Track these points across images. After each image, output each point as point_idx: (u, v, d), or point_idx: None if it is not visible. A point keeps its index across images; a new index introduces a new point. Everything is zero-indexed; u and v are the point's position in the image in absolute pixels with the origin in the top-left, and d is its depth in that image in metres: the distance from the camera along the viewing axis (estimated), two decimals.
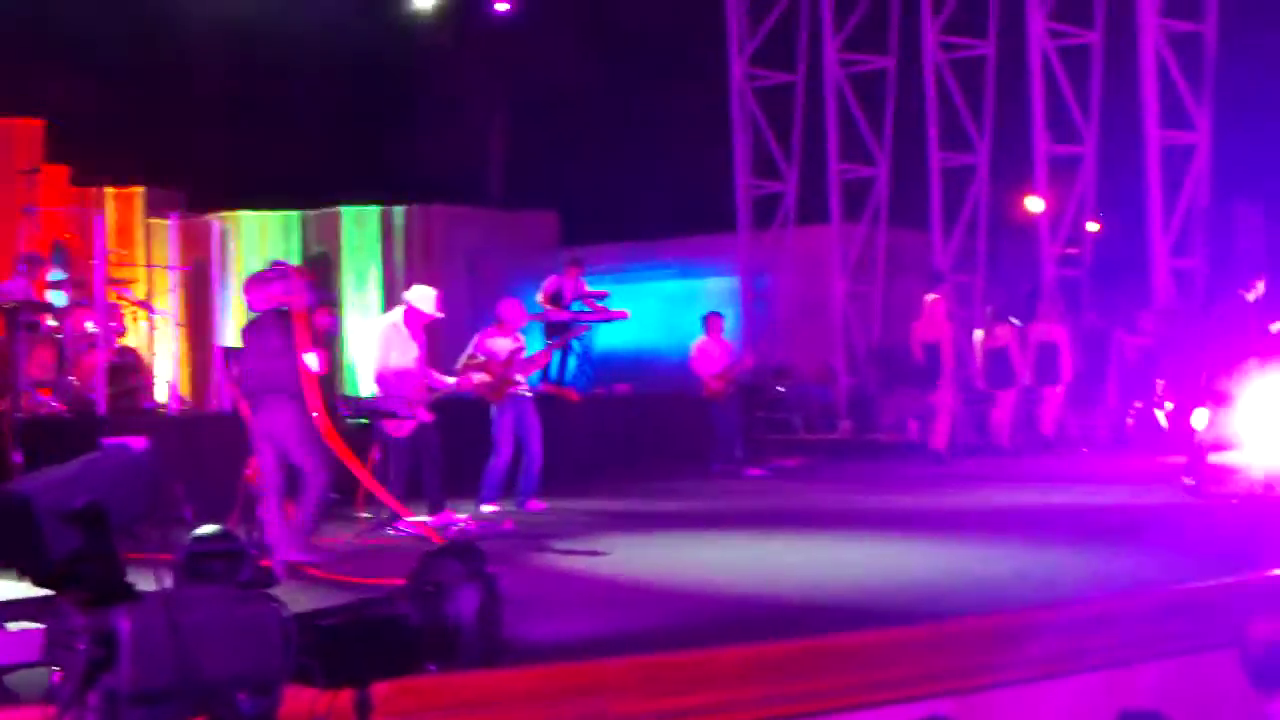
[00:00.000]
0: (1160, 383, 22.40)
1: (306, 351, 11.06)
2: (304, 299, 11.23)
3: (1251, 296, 16.21)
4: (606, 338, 22.07)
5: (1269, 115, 24.37)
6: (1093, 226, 27.17)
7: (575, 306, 20.98)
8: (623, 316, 21.31)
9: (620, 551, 11.76)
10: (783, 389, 25.89)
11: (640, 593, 9.75)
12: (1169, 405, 20.29)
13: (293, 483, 11.30)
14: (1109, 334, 22.61)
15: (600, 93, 31.39)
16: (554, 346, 18.18)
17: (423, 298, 13.98)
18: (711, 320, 20.24)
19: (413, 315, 13.95)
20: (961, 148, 27.21)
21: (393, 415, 13.35)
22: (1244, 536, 11.53)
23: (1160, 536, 11.63)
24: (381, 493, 12.47)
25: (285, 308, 11.17)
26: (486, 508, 14.43)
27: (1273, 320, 16.46)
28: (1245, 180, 24.28)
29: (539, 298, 20.45)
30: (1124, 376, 22.38)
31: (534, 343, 16.20)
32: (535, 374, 17.67)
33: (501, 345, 14.77)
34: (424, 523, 12.67)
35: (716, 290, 29.41)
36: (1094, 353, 22.52)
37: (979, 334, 21.64)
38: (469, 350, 14.84)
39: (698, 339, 20.09)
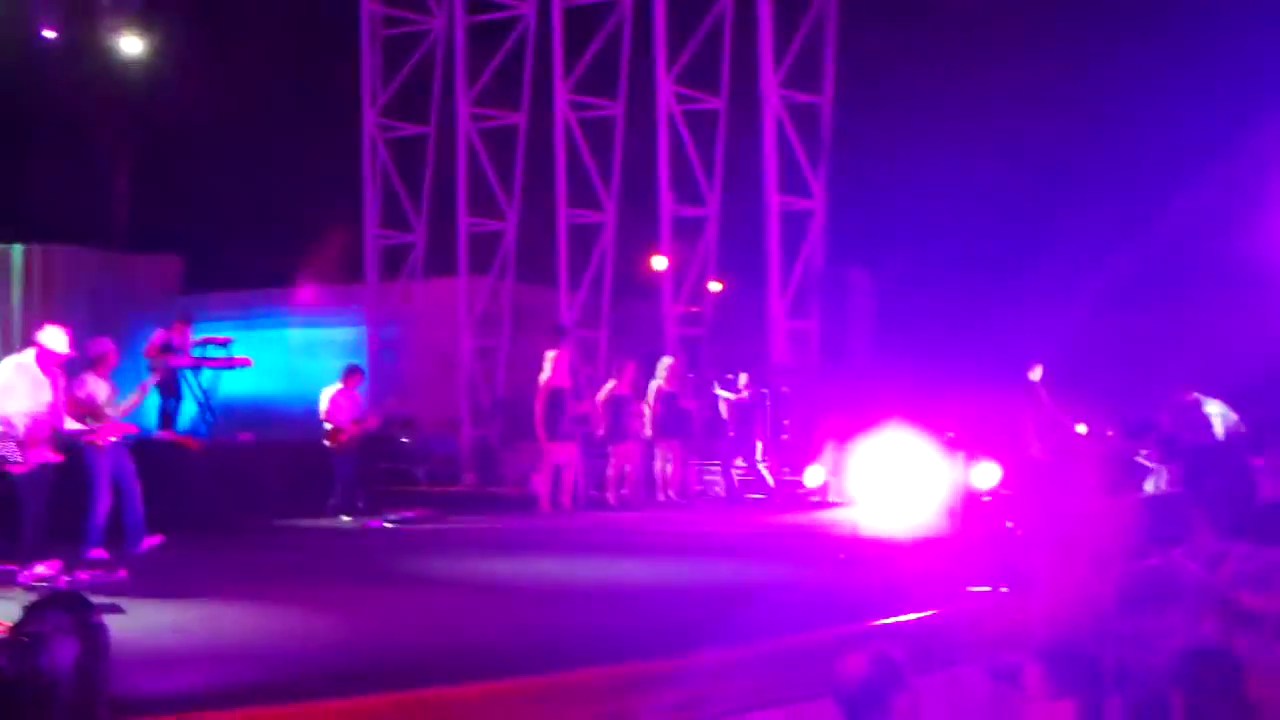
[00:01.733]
0: (759, 443, 23.19)
1: None
2: None
3: (1034, 375, 17.17)
4: (230, 385, 21.63)
5: (878, 187, 25.46)
6: (715, 286, 27.82)
7: (195, 352, 20.63)
8: (246, 364, 20.99)
9: (238, 602, 11.54)
10: (407, 440, 25.82)
11: (256, 645, 9.57)
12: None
13: None
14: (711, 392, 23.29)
15: (228, 137, 30.83)
16: (147, 385, 17.58)
17: (54, 338, 13.51)
18: (350, 372, 20.16)
19: (45, 355, 13.48)
20: (590, 205, 27.55)
21: (3, 460, 12.86)
22: (844, 588, 11.93)
23: (774, 587, 11.93)
24: None
25: None
26: (93, 557, 13.96)
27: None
28: (857, 247, 25.26)
29: (145, 350, 20.06)
30: (720, 433, 23.01)
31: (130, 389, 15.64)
32: (154, 421, 17.17)
33: (100, 389, 14.41)
34: None
35: (343, 340, 29.15)
36: (714, 411, 23.09)
37: (607, 388, 21.79)
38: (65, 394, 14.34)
39: (330, 387, 19.92)
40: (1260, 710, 6.76)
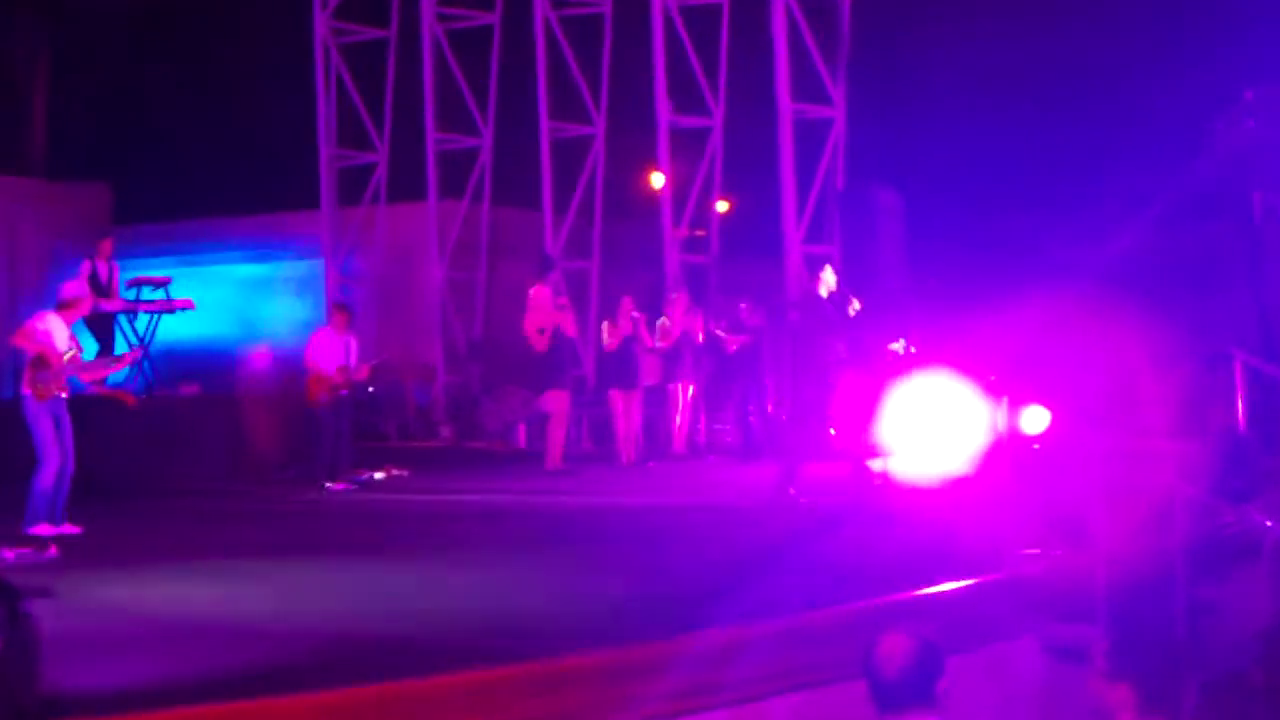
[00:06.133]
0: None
1: None
2: None
3: (823, 291, 16.92)
4: (169, 330, 21.52)
5: (907, 96, 25.26)
6: (721, 207, 27.71)
7: (129, 295, 20.50)
8: (187, 306, 20.89)
9: (180, 582, 11.49)
10: (373, 389, 25.66)
11: (201, 630, 9.49)
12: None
13: None
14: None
15: (160, 50, 30.67)
16: (124, 363, 17.05)
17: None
18: (336, 310, 19.74)
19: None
20: (576, 118, 27.43)
21: None
22: (873, 553, 11.89)
23: (790, 555, 11.90)
24: None
25: None
26: (36, 531, 13.70)
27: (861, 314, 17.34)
28: (884, 163, 25.10)
29: (65, 291, 19.90)
30: (728, 377, 22.76)
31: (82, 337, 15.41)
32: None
33: (61, 335, 14.06)
34: None
35: (296, 275, 29.10)
36: (717, 350, 22.89)
37: (605, 328, 21.54)
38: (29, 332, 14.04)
39: (316, 330, 19.44)
40: None
